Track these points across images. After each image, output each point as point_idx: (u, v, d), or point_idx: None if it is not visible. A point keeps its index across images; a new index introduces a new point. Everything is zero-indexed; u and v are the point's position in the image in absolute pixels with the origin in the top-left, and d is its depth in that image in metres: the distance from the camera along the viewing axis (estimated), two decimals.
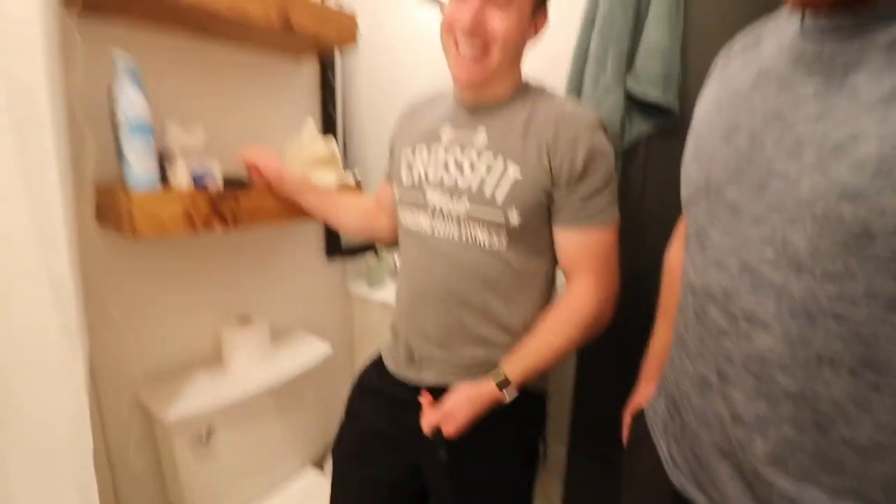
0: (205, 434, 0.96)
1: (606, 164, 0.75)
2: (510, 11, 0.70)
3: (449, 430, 0.72)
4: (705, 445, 0.51)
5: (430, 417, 0.74)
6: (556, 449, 1.48)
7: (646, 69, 0.99)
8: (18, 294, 0.61)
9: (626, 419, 0.79)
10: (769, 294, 0.42)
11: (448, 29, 0.73)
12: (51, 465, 0.64)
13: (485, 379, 0.76)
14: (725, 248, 0.47)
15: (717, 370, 0.48)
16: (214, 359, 1.11)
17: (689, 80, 1.01)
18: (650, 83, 0.99)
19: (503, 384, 0.75)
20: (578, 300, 0.77)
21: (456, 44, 0.73)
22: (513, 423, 0.81)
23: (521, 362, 0.76)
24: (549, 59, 1.19)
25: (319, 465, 1.31)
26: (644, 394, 0.76)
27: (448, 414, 0.73)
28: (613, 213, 0.77)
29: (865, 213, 0.35)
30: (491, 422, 0.75)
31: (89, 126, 0.77)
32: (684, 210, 0.57)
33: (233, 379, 1.05)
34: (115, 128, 0.80)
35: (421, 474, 0.84)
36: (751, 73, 0.49)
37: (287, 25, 0.93)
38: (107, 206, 0.82)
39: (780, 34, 0.48)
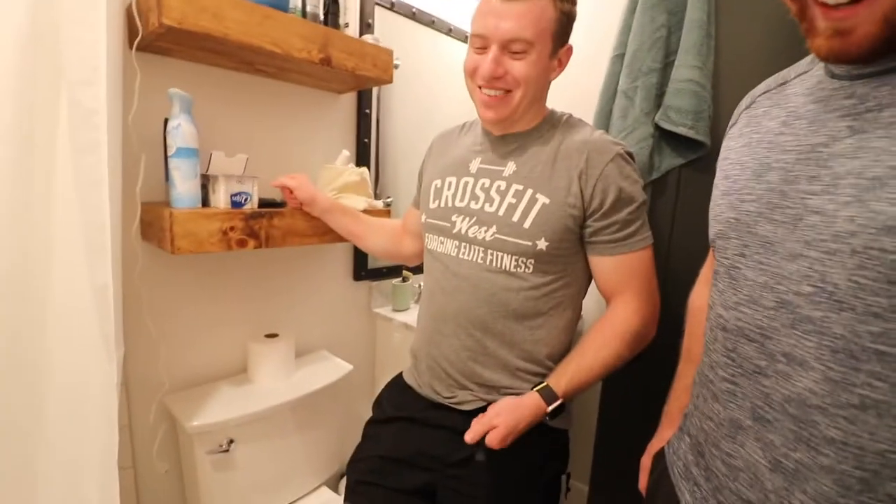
0: (225, 443, 0.99)
1: (638, 191, 0.76)
2: (528, 58, 0.73)
3: (491, 438, 0.70)
4: (732, 495, 0.48)
5: (475, 427, 0.72)
6: (577, 486, 1.42)
7: (674, 105, 0.99)
8: (63, 298, 0.67)
9: (646, 463, 0.75)
10: (809, 331, 0.41)
11: (471, 75, 0.78)
12: (77, 458, 0.69)
13: (528, 393, 0.76)
14: (759, 284, 0.46)
15: (752, 412, 0.46)
16: (240, 371, 1.16)
17: (721, 114, 1.00)
18: (680, 118, 0.99)
19: (546, 393, 0.74)
20: (623, 316, 0.78)
21: (480, 87, 0.77)
22: (536, 457, 0.79)
23: (565, 375, 0.76)
24: (579, 93, 1.21)
25: (335, 487, 1.32)
26: (665, 438, 0.73)
27: (489, 422, 0.72)
28: (648, 235, 0.78)
29: None
30: (514, 454, 0.73)
31: (142, 149, 0.85)
32: (713, 247, 0.56)
33: (256, 392, 1.09)
34: (165, 152, 0.88)
35: (435, 497, 0.83)
36: (779, 113, 0.50)
37: (327, 61, 1.00)
38: (151, 223, 0.90)
39: (806, 76, 0.49)
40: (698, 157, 1.03)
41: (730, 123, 0.60)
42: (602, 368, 0.76)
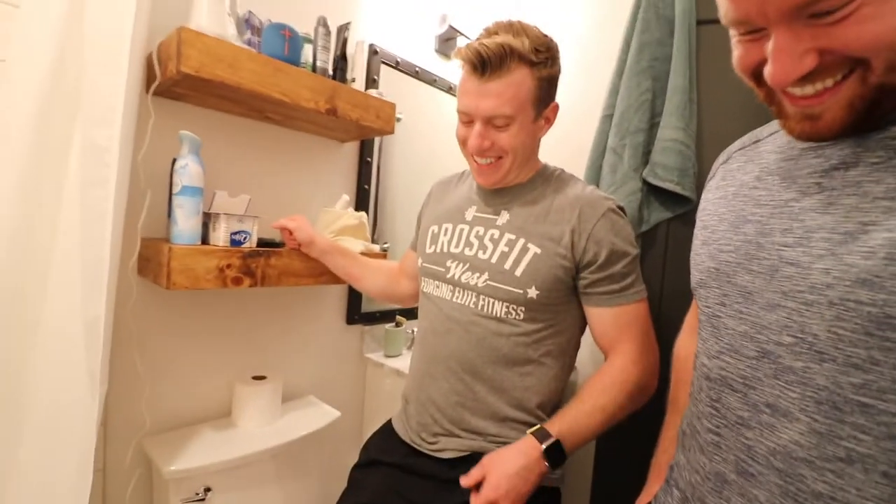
0: (201, 492, 0.94)
1: (630, 244, 0.78)
2: (511, 129, 0.77)
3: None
4: None
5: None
6: None
7: (661, 162, 1.04)
8: (53, 329, 0.67)
9: None
10: (792, 381, 0.41)
11: (462, 145, 0.83)
12: (48, 496, 0.65)
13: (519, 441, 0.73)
14: (740, 333, 0.46)
15: (736, 466, 0.45)
16: (224, 414, 1.12)
17: (705, 172, 1.04)
18: (666, 174, 1.04)
19: (539, 433, 0.72)
20: (622, 366, 0.77)
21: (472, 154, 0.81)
22: None
23: (562, 419, 0.74)
24: (570, 150, 1.28)
25: None
26: (653, 492, 0.70)
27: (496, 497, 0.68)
28: (642, 288, 0.79)
29: (884, 299, 0.35)
30: None
31: (148, 186, 0.88)
32: (695, 295, 0.57)
33: (238, 437, 1.05)
34: (170, 190, 0.90)
35: None
36: (753, 169, 0.52)
37: (333, 112, 1.05)
38: (149, 258, 0.90)
39: (777, 134, 0.52)
40: (685, 211, 1.07)
41: (708, 177, 0.63)
42: (602, 415, 0.74)
